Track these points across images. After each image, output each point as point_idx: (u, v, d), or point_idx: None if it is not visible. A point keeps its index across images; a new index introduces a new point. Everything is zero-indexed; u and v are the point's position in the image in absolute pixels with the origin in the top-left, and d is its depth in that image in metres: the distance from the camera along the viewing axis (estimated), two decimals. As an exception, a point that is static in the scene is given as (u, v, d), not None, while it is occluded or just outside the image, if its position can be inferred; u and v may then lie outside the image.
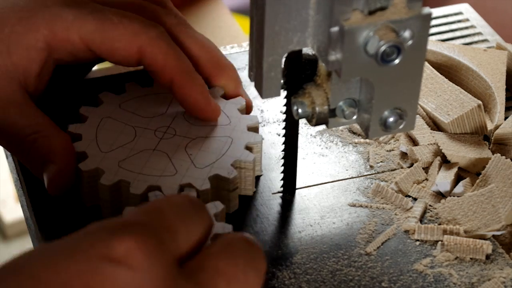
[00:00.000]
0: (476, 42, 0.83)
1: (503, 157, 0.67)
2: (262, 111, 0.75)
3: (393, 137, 0.72)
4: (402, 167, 0.69)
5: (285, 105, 0.62)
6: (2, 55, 0.66)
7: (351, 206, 0.66)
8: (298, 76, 0.59)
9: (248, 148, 0.66)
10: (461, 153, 0.68)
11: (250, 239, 0.49)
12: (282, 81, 0.58)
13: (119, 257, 0.43)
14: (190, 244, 0.47)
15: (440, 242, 0.63)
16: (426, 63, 0.75)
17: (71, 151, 0.65)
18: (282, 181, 0.67)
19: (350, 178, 0.69)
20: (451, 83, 0.73)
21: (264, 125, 0.73)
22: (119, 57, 0.67)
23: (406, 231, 0.64)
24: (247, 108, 0.71)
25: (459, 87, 0.73)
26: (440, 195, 0.67)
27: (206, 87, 0.68)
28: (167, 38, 0.67)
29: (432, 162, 0.68)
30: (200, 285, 0.45)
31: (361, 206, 0.66)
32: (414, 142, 0.71)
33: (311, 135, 0.73)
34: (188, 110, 0.68)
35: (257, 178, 0.68)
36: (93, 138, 0.66)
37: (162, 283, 0.44)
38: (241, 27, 1.12)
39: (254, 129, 0.68)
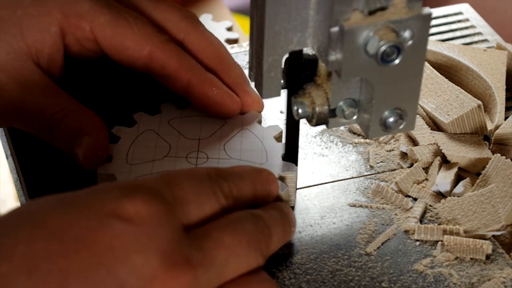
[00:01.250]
0: (476, 42, 0.83)
1: (503, 157, 0.67)
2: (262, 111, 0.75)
3: (393, 137, 0.72)
4: (402, 167, 0.69)
5: (285, 105, 0.62)
6: (15, 37, 0.65)
7: (351, 206, 0.66)
8: (298, 76, 0.59)
9: (281, 178, 0.64)
10: (461, 153, 0.68)
11: (264, 218, 0.53)
12: (282, 81, 0.58)
13: (127, 215, 0.46)
14: (202, 215, 0.50)
15: (440, 242, 0.63)
16: (426, 63, 0.75)
17: (103, 123, 0.65)
18: (282, 181, 0.67)
19: (350, 178, 0.69)
20: (451, 83, 0.73)
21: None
22: (126, 56, 0.67)
23: (406, 231, 0.64)
24: (258, 106, 0.69)
25: (459, 87, 0.73)
26: (440, 195, 0.67)
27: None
28: (175, 44, 0.68)
29: (432, 162, 0.68)
30: (201, 251, 0.48)
31: (361, 206, 0.66)
32: (414, 142, 0.71)
33: (311, 135, 0.73)
34: (211, 108, 0.67)
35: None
36: (127, 171, 0.64)
37: (165, 243, 0.46)
38: (241, 27, 1.12)
39: (278, 138, 0.67)
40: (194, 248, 0.48)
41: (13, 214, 0.47)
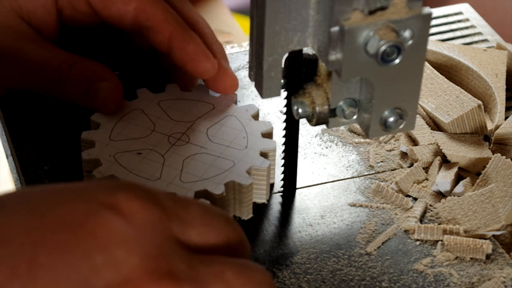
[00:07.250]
0: (476, 42, 0.83)
1: (503, 157, 0.67)
2: (262, 111, 0.75)
3: (393, 137, 0.72)
4: (402, 167, 0.69)
5: (285, 105, 0.62)
6: None
7: (351, 206, 0.66)
8: (298, 76, 0.59)
9: (263, 155, 0.64)
10: (461, 153, 0.68)
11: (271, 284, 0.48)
12: (282, 81, 0.58)
13: (119, 206, 0.44)
14: (201, 242, 0.47)
15: (440, 242, 0.63)
16: (426, 63, 0.75)
17: (111, 70, 0.67)
18: (282, 181, 0.67)
19: (350, 178, 0.69)
20: (451, 83, 0.73)
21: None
22: (114, 10, 0.69)
23: (406, 231, 0.64)
24: (233, 86, 0.69)
25: (459, 87, 0.73)
26: (440, 195, 0.67)
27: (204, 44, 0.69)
28: (163, 1, 0.69)
29: (432, 162, 0.68)
30: (193, 272, 0.45)
31: (361, 206, 0.66)
32: (414, 142, 0.71)
33: (311, 135, 0.73)
34: (186, 65, 0.68)
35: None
36: (111, 128, 0.65)
37: (151, 247, 0.44)
38: (241, 27, 1.12)
39: (268, 135, 0.67)
40: (186, 264, 0.44)
41: (11, 192, 0.46)
